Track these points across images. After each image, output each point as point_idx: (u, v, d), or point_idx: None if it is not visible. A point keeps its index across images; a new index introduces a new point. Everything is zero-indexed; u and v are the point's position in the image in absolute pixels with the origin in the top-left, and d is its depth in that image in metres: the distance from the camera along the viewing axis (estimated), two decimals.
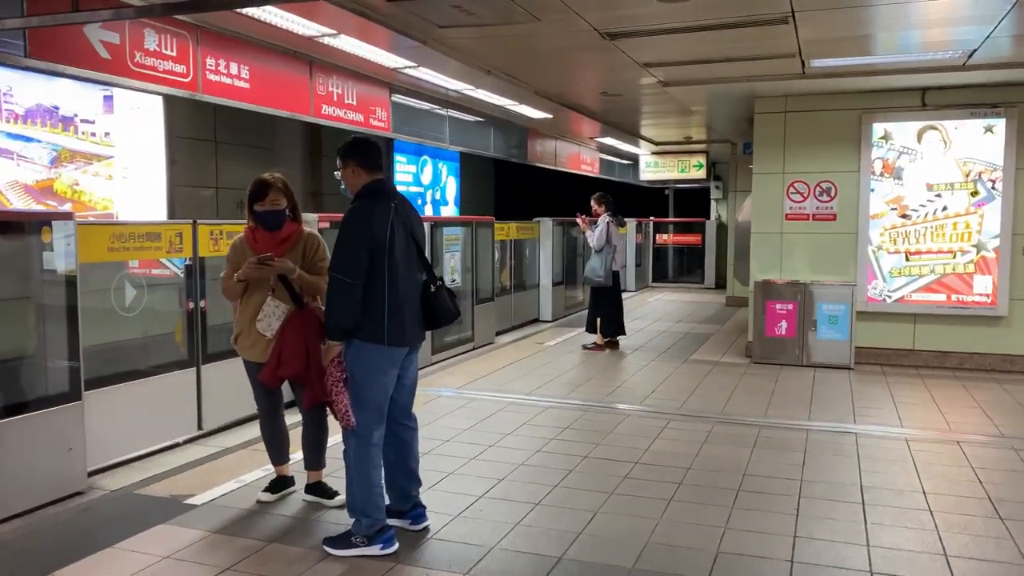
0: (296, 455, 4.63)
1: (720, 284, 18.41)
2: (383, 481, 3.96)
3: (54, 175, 8.62)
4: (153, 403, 5.31)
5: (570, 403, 6.85)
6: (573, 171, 14.69)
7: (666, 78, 8.40)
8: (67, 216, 4.48)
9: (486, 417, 6.34)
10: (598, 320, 9.64)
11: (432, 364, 8.44)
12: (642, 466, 5.16)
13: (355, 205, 3.90)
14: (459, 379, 7.80)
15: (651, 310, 14.02)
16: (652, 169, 16.63)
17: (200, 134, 11.23)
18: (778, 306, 8.82)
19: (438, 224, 8.78)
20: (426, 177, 17.82)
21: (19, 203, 8.26)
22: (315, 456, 4.48)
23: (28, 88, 8.02)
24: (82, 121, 8.88)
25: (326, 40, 6.30)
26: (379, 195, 3.92)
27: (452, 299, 4.11)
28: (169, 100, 9.73)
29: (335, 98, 7.41)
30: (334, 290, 3.77)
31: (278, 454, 4.60)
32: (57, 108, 8.56)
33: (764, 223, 9.20)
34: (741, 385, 7.68)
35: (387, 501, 4.04)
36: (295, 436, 4.60)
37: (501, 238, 10.85)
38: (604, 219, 9.54)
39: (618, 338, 9.82)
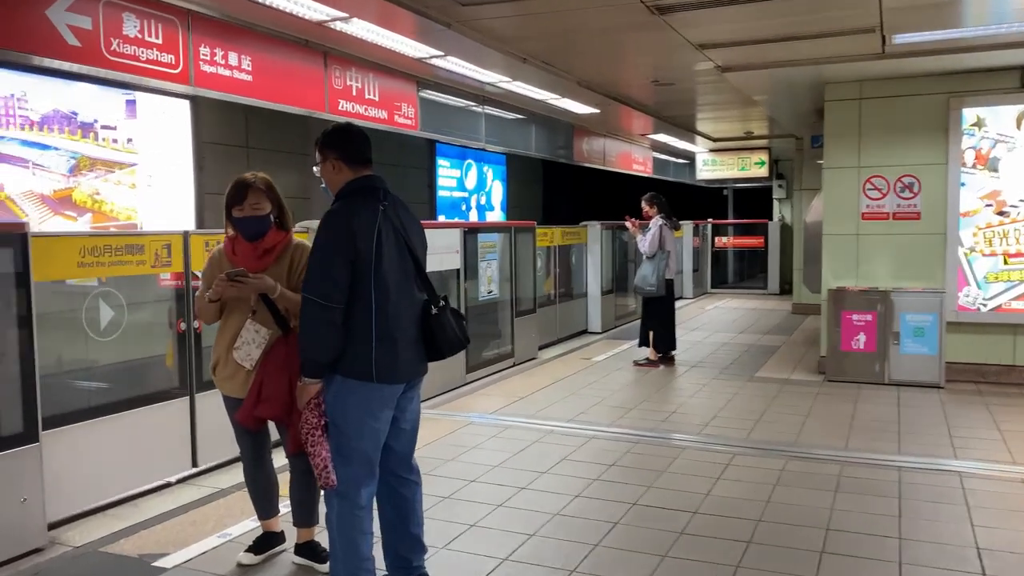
0: (287, 506, 3.90)
1: (785, 289, 17.28)
2: (374, 552, 3.20)
3: (73, 184, 8.13)
4: (137, 439, 4.65)
5: (618, 432, 6.00)
6: (624, 171, 13.80)
7: (724, 62, 7.50)
8: (17, 227, 3.84)
9: (520, 450, 5.54)
10: (651, 334, 8.75)
11: (466, 384, 7.67)
12: (702, 517, 4.30)
13: (334, 208, 3.15)
14: (494, 401, 7.02)
15: (710, 319, 13.04)
16: (710, 168, 15.63)
17: (230, 139, 10.69)
18: (855, 317, 7.83)
19: (473, 230, 8.02)
20: (470, 182, 17.14)
21: (35, 214, 7.79)
22: (305, 511, 3.74)
23: (44, 93, 7.54)
24: (103, 127, 8.39)
25: (337, 25, 5.61)
26: (365, 195, 3.17)
27: (459, 323, 3.31)
28: (196, 103, 9.21)
29: (354, 93, 6.72)
30: (308, 315, 3.02)
31: (265, 506, 3.88)
32: (76, 114, 8.08)
33: (837, 224, 8.21)
34: (815, 409, 6.72)
35: (382, 574, 3.28)
36: (286, 481, 3.87)
37: (544, 244, 10.05)
38: (656, 222, 8.66)
39: (673, 353, 8.92)
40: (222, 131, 10.40)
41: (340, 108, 6.52)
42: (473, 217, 17.23)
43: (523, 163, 19.63)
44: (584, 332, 11.40)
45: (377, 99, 7.02)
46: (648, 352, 8.78)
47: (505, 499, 4.58)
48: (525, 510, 4.41)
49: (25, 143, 7.67)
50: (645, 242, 8.63)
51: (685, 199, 22.21)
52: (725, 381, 7.93)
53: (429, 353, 3.26)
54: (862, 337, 7.80)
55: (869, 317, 7.77)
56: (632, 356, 9.12)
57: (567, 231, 10.88)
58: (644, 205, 8.82)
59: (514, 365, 8.68)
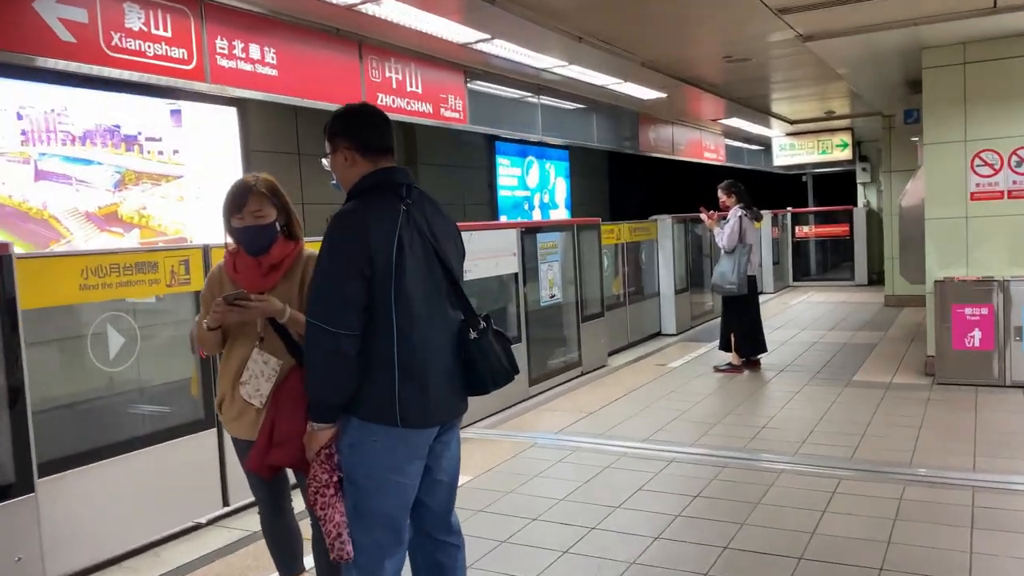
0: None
1: (874, 280, 16.11)
2: None
3: (119, 199, 7.82)
4: (158, 477, 4.16)
5: (701, 454, 5.27)
6: (694, 160, 12.94)
7: (806, 30, 6.67)
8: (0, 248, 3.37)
9: (590, 478, 4.87)
10: (732, 336, 7.95)
11: (529, 398, 7.03)
12: (809, 565, 3.56)
13: (345, 208, 2.55)
14: (560, 419, 6.36)
15: (795, 316, 12.09)
16: (787, 152, 14.62)
17: (280, 145, 10.32)
18: (967, 311, 6.89)
19: (531, 230, 7.37)
20: (532, 179, 16.50)
21: (80, 232, 7.49)
22: (328, 570, 3.16)
23: (85, 106, 7.23)
24: (147, 139, 8.07)
25: (368, 8, 5.04)
26: (384, 192, 2.56)
27: (506, 348, 2.66)
28: (244, 109, 8.85)
29: (394, 85, 6.15)
30: (314, 345, 2.43)
31: (288, 562, 3.31)
32: (119, 127, 7.76)
33: (941, 206, 7.27)
34: (929, 419, 5.85)
35: None
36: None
37: (611, 242, 9.33)
38: (735, 213, 7.86)
39: (759, 356, 8.10)
40: (272, 138, 10.03)
41: (379, 102, 5.95)
42: (536, 216, 16.60)
43: (587, 158, 18.90)
44: (658, 334, 10.64)
45: (420, 91, 6.43)
46: (731, 356, 7.98)
47: (572, 543, 3.92)
48: (595, 558, 3.75)
49: (67, 159, 7.37)
50: (724, 235, 7.84)
51: (761, 187, 21.12)
52: (820, 387, 7.08)
53: (469, 386, 2.62)
54: (976, 334, 6.86)
55: (984, 311, 6.82)
56: (712, 360, 8.33)
57: (635, 226, 10.13)
58: (721, 194, 8.02)
59: (582, 375, 8.00)
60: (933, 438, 5.39)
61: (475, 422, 6.18)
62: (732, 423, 6.03)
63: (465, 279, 2.82)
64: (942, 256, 7.26)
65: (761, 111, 11.90)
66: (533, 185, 16.54)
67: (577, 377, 7.88)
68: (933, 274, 7.28)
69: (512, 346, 2.74)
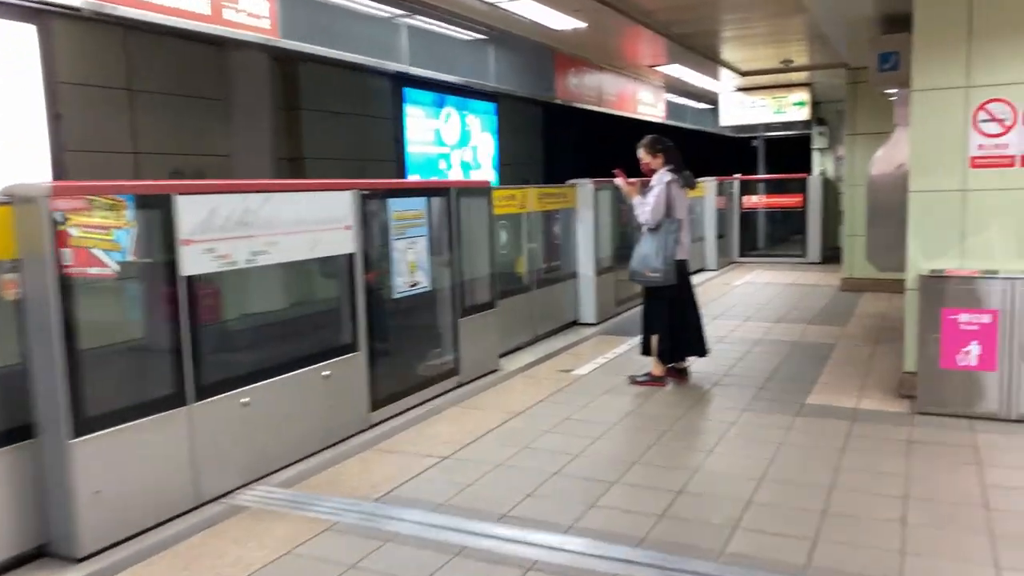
0: None
1: (829, 257, 14.48)
2: None
3: None
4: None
5: (576, 552, 3.39)
6: (627, 115, 10.99)
7: None
8: None
9: None
10: (654, 339, 6.10)
11: (371, 428, 5.07)
12: None
13: None
14: (398, 468, 4.43)
15: (738, 300, 10.32)
16: (737, 110, 12.75)
17: (103, 78, 8.10)
18: (963, 318, 5.11)
19: (376, 194, 5.28)
20: (451, 135, 14.40)
21: None
22: None
23: None
24: None
25: None
26: None
27: None
28: (46, 28, 6.67)
29: None
30: None
31: None
32: None
33: (930, 175, 5.46)
34: (915, 484, 4.05)
35: None
36: None
37: (511, 211, 7.37)
38: (662, 178, 5.96)
39: (688, 362, 6.28)
40: (89, 67, 7.84)
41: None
42: (455, 177, 14.55)
43: (520, 112, 16.82)
44: (574, 324, 8.77)
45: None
46: (652, 363, 6.14)
47: None
48: None
49: None
50: (646, 207, 5.95)
51: (707, 151, 19.30)
52: (763, 416, 5.27)
53: None
54: (974, 349, 5.10)
55: (987, 318, 5.05)
56: (631, 365, 6.49)
57: (547, 192, 8.18)
58: (642, 153, 6.11)
59: (459, 386, 6.08)
60: (928, 520, 3.59)
61: (269, 474, 4.21)
62: (636, 483, 4.16)
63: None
64: (929, 242, 5.47)
65: (708, 57, 9.99)
66: (452, 141, 14.44)
67: (451, 391, 5.95)
68: (916, 265, 5.50)
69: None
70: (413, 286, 5.56)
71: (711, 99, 13.70)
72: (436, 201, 5.96)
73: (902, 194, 7.09)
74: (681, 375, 6.26)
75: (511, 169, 17.08)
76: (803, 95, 12.31)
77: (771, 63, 10.76)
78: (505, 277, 7.60)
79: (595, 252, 8.69)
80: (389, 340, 5.44)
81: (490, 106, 15.71)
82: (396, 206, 5.37)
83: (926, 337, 5.24)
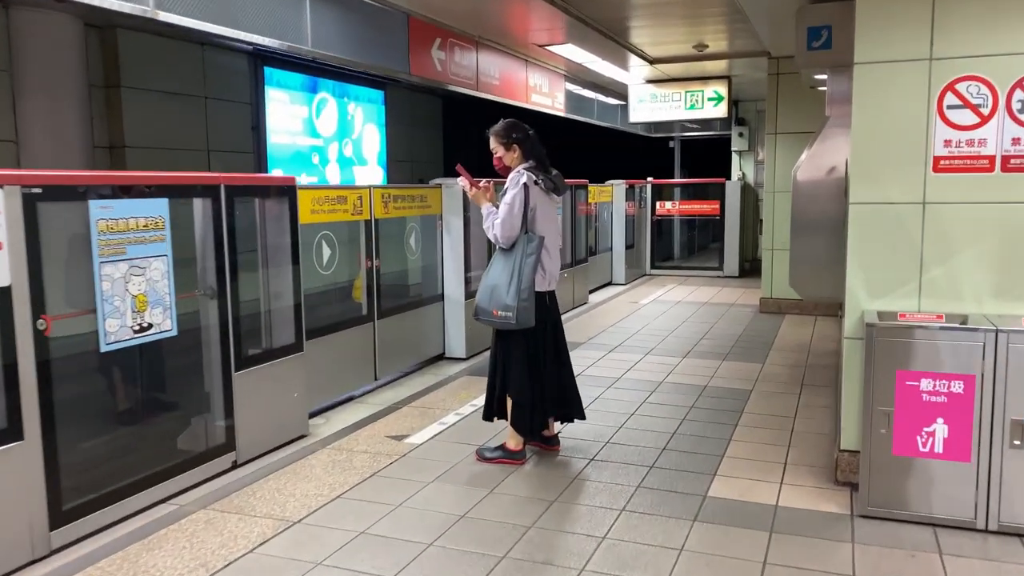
0: None
1: (747, 270, 13.21)
2: None
3: None
4: None
5: None
6: (514, 103, 9.33)
7: None
8: None
9: None
10: (508, 399, 4.45)
11: (52, 555, 3.27)
12: None
13: None
14: None
15: (643, 325, 8.79)
16: (648, 105, 11.26)
17: None
18: (925, 385, 3.61)
19: (60, 193, 3.43)
20: (327, 124, 12.55)
21: None
22: None
23: None
24: None
25: None
26: None
27: None
28: None
29: None
30: None
31: None
32: None
33: (878, 182, 3.96)
34: None
35: None
36: None
37: (337, 218, 5.61)
38: (517, 178, 4.31)
39: (557, 427, 4.66)
40: None
41: None
42: (332, 174, 12.71)
43: (414, 102, 15.09)
44: (441, 358, 7.10)
45: None
46: (506, 433, 4.49)
47: None
48: None
49: None
50: (496, 218, 4.29)
51: (620, 153, 17.87)
52: (648, 519, 3.67)
53: None
54: (941, 429, 3.60)
55: (958, 385, 3.56)
56: (487, 426, 4.82)
57: (399, 194, 6.46)
58: (494, 143, 4.45)
59: (234, 467, 4.31)
60: None
61: None
62: None
63: None
64: (875, 273, 3.96)
65: (611, 38, 8.42)
66: (329, 132, 12.59)
67: (220, 475, 4.17)
68: (857, 303, 4.00)
69: None
70: (142, 331, 3.76)
71: (622, 93, 12.21)
72: (195, 204, 4.17)
73: (834, 205, 5.69)
74: (549, 443, 4.63)
75: (407, 166, 15.30)
76: (720, 88, 10.91)
77: (684, 49, 9.27)
78: (333, 306, 5.87)
79: (465, 270, 7.02)
80: (91, 415, 3.63)
81: (376, 93, 13.90)
82: (105, 212, 3.56)
83: (872, 408, 3.72)
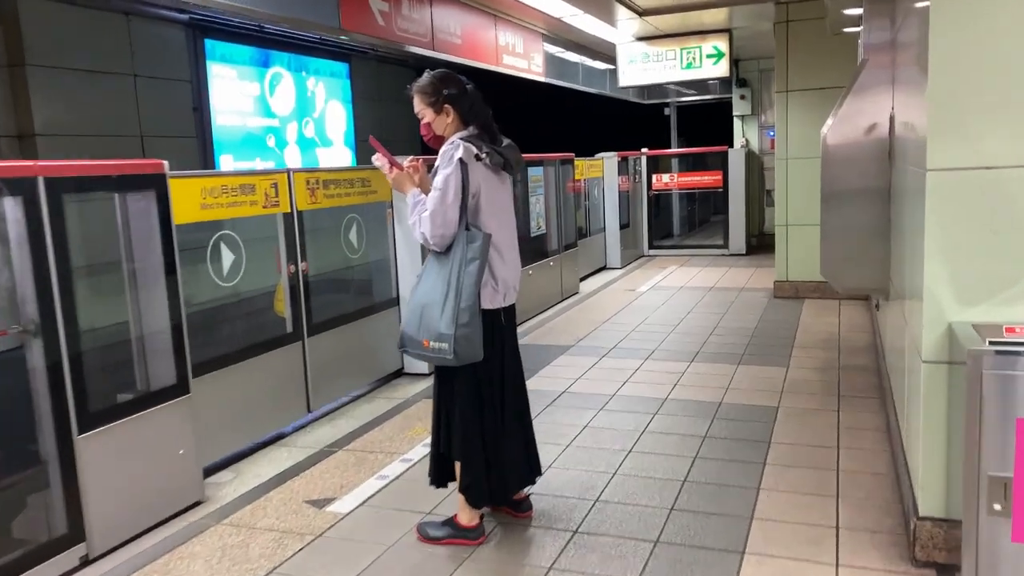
0: None
1: (755, 246, 11.99)
2: None
3: None
4: None
5: None
6: (484, 66, 8.03)
7: None
8: None
9: None
10: (457, 464, 3.24)
11: None
12: None
13: None
14: None
15: (641, 319, 7.57)
16: (639, 66, 9.96)
17: None
18: None
19: None
20: (283, 102, 11.23)
21: None
22: None
23: None
24: None
25: None
26: None
27: None
28: None
29: None
30: None
31: None
32: None
33: (973, 138, 2.71)
34: None
35: None
36: None
37: (243, 212, 4.37)
38: (452, 152, 3.06)
39: (528, 491, 3.46)
40: None
41: None
42: (292, 157, 11.43)
43: (384, 75, 13.75)
44: (399, 374, 5.93)
45: None
46: (456, 504, 3.29)
47: None
48: None
49: None
50: (423, 209, 3.06)
51: (608, 122, 16.55)
52: None
53: None
54: None
55: None
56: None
57: (334, 178, 5.21)
58: (418, 104, 3.22)
59: (83, 564, 3.11)
60: None
61: None
62: None
63: None
64: (967, 268, 2.74)
65: None
66: (286, 111, 11.28)
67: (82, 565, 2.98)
68: (940, 312, 2.78)
69: None
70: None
71: (610, 55, 10.90)
72: (3, 206, 2.94)
73: (876, 171, 4.52)
74: (517, 509, 3.43)
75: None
76: (720, 43, 9.61)
77: None
78: (243, 325, 4.66)
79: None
80: None
81: (339, 66, 12.56)
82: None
83: (979, 472, 2.51)
